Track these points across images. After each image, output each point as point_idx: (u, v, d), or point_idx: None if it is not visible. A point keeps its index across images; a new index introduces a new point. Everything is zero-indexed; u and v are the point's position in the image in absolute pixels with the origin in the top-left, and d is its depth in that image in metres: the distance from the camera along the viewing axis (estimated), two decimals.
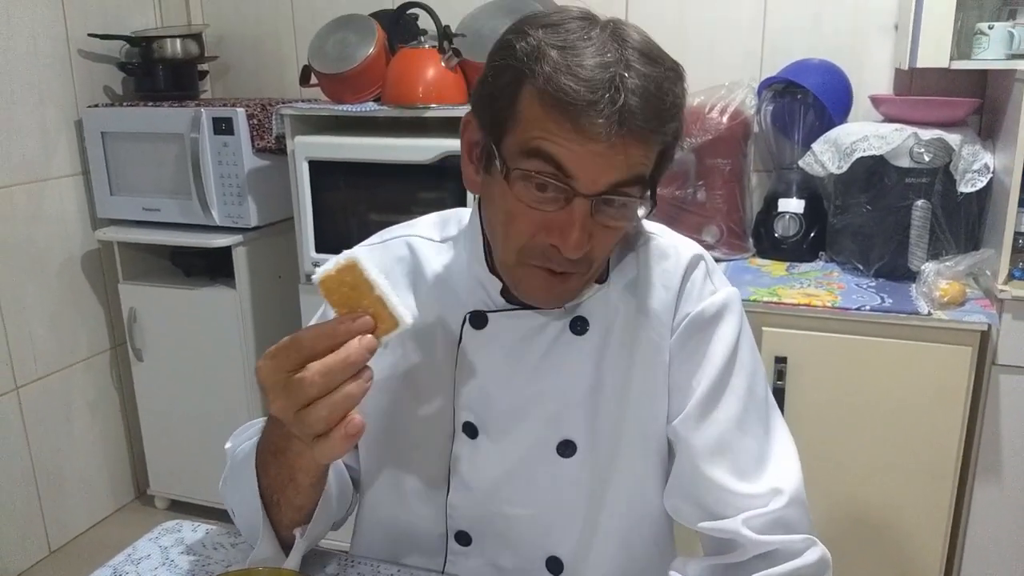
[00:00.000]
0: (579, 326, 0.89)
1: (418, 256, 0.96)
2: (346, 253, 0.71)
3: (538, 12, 0.80)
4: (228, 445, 0.96)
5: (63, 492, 2.45)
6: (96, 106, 2.37)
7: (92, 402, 2.54)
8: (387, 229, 1.02)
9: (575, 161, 0.74)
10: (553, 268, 0.80)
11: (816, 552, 0.81)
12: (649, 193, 0.79)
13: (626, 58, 0.74)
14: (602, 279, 0.90)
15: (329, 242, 2.10)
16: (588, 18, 0.77)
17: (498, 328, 0.90)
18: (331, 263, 0.71)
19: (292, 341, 0.69)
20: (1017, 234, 1.73)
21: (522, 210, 0.77)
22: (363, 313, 0.70)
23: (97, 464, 2.58)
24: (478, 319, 0.90)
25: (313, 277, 0.73)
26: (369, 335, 0.70)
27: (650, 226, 0.94)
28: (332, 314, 0.73)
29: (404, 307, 0.71)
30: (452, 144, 1.87)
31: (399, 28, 2.09)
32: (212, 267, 2.42)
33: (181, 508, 2.56)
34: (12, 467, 2.28)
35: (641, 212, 0.79)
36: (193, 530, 1.01)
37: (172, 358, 2.45)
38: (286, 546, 0.87)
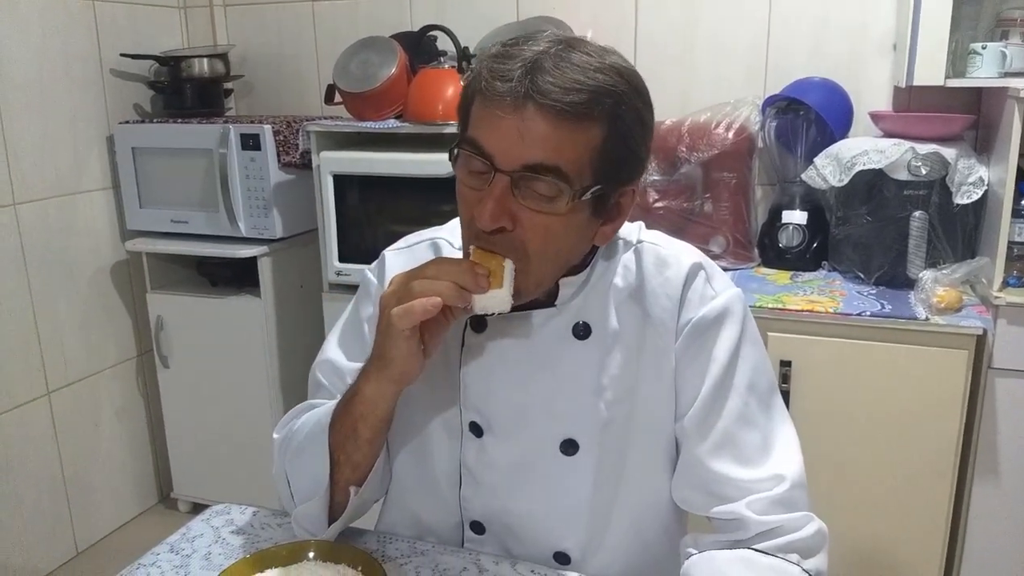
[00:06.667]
0: (581, 331, 0.94)
1: (440, 256, 1.01)
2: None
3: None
4: (276, 436, 1.03)
5: (90, 494, 2.52)
6: (127, 123, 2.46)
7: (119, 407, 2.62)
8: (416, 232, 1.08)
9: (490, 138, 0.81)
10: (482, 247, 0.85)
11: (814, 526, 0.88)
12: (586, 188, 0.82)
13: (558, 51, 0.80)
14: (575, 272, 0.93)
15: (351, 252, 2.19)
16: (551, 35, 0.84)
17: (496, 331, 0.95)
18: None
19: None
20: (1011, 243, 1.77)
21: (464, 190, 0.86)
22: (485, 271, 0.83)
23: (123, 467, 2.65)
24: (478, 323, 0.95)
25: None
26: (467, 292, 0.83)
27: (651, 235, 0.99)
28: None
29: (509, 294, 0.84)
30: None
31: (420, 49, 2.19)
32: (237, 277, 2.49)
33: (203, 511, 2.62)
34: (42, 469, 2.35)
35: (566, 203, 0.81)
36: (241, 512, 1.09)
37: (197, 365, 2.52)
38: (333, 516, 0.95)
